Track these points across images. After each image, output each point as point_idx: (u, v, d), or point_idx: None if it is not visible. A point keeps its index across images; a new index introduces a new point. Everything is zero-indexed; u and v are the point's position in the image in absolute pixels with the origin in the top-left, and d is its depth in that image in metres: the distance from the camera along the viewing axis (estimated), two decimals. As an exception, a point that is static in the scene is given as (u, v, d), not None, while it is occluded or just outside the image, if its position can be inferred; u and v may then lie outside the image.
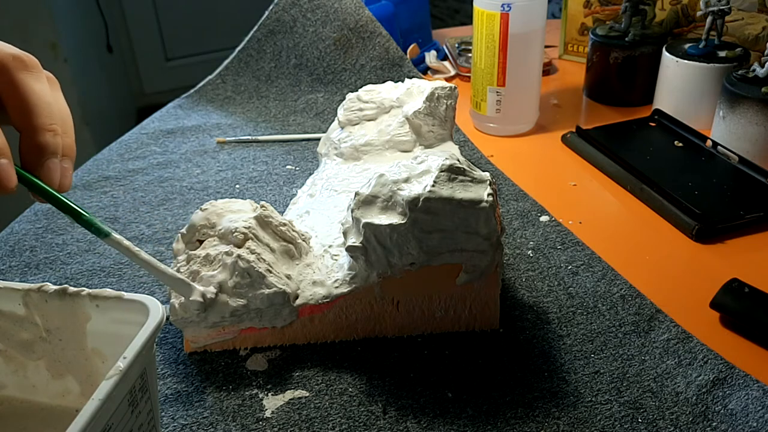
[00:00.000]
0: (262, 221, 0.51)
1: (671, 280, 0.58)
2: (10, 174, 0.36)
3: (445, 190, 0.47)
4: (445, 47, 1.05)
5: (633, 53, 0.85)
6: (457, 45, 1.03)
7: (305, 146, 0.81)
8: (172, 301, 0.48)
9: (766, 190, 0.66)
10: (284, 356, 0.51)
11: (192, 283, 0.47)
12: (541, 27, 0.77)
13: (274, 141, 0.82)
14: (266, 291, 0.48)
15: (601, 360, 0.50)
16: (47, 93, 0.39)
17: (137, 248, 0.42)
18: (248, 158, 0.78)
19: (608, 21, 0.95)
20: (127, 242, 0.41)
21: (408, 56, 0.95)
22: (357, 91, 0.70)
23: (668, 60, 0.81)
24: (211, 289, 0.48)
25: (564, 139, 0.80)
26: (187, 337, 0.51)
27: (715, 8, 0.78)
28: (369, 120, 0.67)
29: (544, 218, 0.66)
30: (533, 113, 0.83)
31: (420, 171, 0.49)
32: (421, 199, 0.46)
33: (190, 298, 0.47)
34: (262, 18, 0.96)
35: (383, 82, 0.73)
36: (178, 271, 0.49)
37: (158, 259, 0.44)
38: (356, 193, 0.49)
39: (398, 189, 0.48)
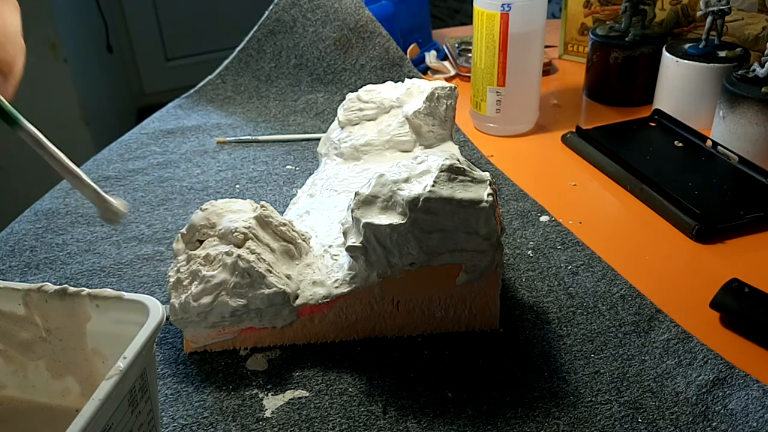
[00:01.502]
0: (262, 221, 0.51)
1: (671, 280, 0.58)
2: None
3: (445, 190, 0.47)
4: (445, 47, 1.05)
5: (633, 53, 0.85)
6: (457, 45, 1.03)
7: (305, 146, 0.81)
8: (172, 301, 0.49)
9: (766, 190, 0.66)
10: (284, 356, 0.51)
11: (108, 196, 0.45)
12: (541, 27, 0.77)
13: (274, 141, 0.82)
14: (266, 291, 0.48)
15: (601, 360, 0.50)
16: None
17: (48, 142, 0.41)
18: (248, 158, 0.78)
19: (608, 21, 0.95)
20: (38, 134, 0.40)
21: (408, 56, 0.95)
22: (357, 91, 0.70)
23: (668, 60, 0.81)
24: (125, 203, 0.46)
25: (564, 139, 0.80)
26: (187, 337, 0.51)
27: (715, 8, 0.78)
28: (369, 120, 0.67)
29: (544, 218, 0.66)
30: (533, 113, 0.83)
31: (420, 171, 0.49)
32: (421, 199, 0.46)
33: (113, 208, 0.45)
34: (262, 18, 0.96)
35: (383, 82, 0.73)
36: (178, 271, 0.49)
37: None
38: (356, 193, 0.49)
39: (398, 189, 0.48)
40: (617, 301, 0.55)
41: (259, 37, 0.96)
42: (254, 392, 0.48)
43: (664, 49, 0.82)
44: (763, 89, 0.69)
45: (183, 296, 0.48)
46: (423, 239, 0.48)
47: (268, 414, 0.46)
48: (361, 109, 0.67)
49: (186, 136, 0.84)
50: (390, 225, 0.47)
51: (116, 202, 0.45)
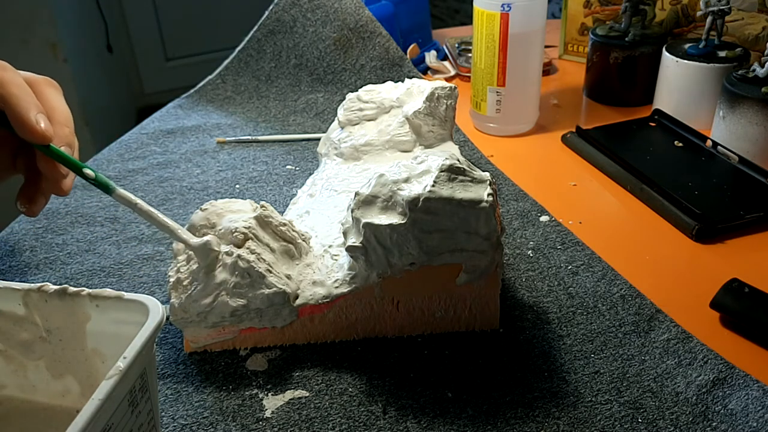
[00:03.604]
0: (262, 221, 0.51)
1: (671, 280, 0.58)
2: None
3: (445, 190, 0.47)
4: (445, 47, 1.05)
5: (633, 53, 0.85)
6: (457, 45, 1.03)
7: (305, 146, 0.81)
8: (172, 301, 0.49)
9: (766, 190, 0.66)
10: (284, 356, 0.51)
11: (198, 239, 0.48)
12: (541, 27, 0.77)
13: (274, 141, 0.82)
14: (266, 291, 0.48)
15: (601, 360, 0.50)
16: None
17: (141, 202, 0.45)
18: (248, 158, 0.78)
19: (608, 21, 0.95)
20: (131, 195, 0.45)
21: (408, 56, 0.95)
22: (357, 91, 0.69)
23: (668, 60, 0.81)
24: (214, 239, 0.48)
25: (564, 139, 0.80)
26: (187, 337, 0.51)
27: (715, 8, 0.78)
28: (369, 120, 0.67)
29: (544, 218, 0.66)
30: (533, 113, 0.83)
31: (420, 171, 0.49)
32: (421, 199, 0.46)
33: (209, 251, 0.48)
34: (262, 18, 0.96)
35: (383, 82, 0.73)
36: (178, 271, 0.49)
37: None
38: (356, 193, 0.49)
39: (398, 189, 0.48)
40: (617, 301, 0.55)
41: (259, 37, 0.96)
42: (254, 392, 0.48)
43: (664, 49, 0.82)
44: (763, 89, 0.69)
45: (183, 296, 0.48)
46: (423, 239, 0.48)
47: (268, 414, 0.46)
48: (361, 109, 0.67)
49: (186, 136, 0.84)
50: (390, 225, 0.47)
51: (208, 238, 0.48)
